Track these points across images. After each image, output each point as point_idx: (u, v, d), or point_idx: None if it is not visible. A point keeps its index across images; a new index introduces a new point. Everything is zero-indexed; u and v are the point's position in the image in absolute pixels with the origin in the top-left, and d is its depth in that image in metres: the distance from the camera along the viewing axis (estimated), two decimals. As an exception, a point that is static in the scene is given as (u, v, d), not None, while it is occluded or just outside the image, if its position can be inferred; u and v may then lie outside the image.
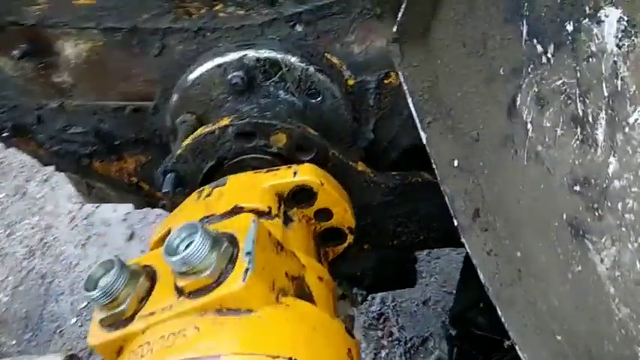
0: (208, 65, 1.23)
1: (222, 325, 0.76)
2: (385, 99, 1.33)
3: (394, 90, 1.31)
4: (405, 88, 1.16)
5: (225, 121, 1.10)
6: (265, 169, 1.07)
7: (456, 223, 1.05)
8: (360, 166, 1.16)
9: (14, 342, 3.43)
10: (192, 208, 1.03)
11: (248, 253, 0.78)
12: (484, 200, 1.05)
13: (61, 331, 3.43)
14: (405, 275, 1.61)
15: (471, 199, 1.06)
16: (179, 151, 1.12)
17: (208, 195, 1.04)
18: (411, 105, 1.15)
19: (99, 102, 1.30)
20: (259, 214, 0.97)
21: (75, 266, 3.77)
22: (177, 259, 0.76)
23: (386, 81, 1.30)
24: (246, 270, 0.77)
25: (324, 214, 1.08)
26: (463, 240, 1.04)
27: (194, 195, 1.07)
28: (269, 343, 0.76)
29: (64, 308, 3.55)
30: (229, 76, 1.21)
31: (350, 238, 1.13)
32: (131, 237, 3.63)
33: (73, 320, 3.47)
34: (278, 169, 1.06)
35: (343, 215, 1.09)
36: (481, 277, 1.00)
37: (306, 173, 1.04)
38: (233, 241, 0.81)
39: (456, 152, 1.10)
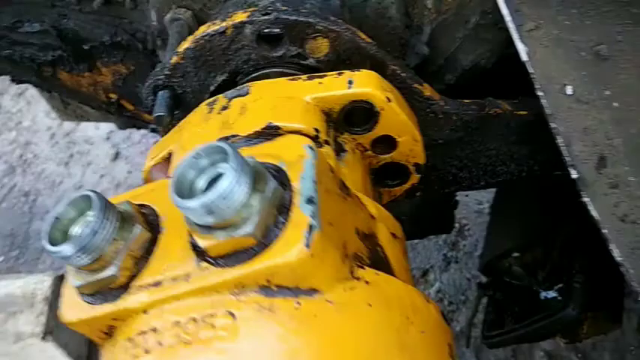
0: (210, -64, 0.81)
1: (273, 313, 0.43)
2: (448, 0, 0.93)
3: (461, -12, 0.91)
4: (493, -20, 0.76)
5: (242, 16, 0.69)
6: (306, 76, 0.67)
7: (574, 175, 0.70)
8: (427, 90, 0.78)
9: (1, 259, 3.14)
10: (202, 124, 0.65)
11: (309, 201, 0.43)
12: (612, 145, 0.70)
13: (47, 251, 3.13)
14: (443, 221, 1.28)
15: (593, 142, 0.70)
16: (175, 59, 0.72)
17: (224, 108, 0.65)
18: (502, 4, 0.76)
19: (58, -12, 0.88)
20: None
21: (59, 184, 3.42)
22: (197, 203, 0.41)
23: (452, -26, 0.90)
24: (310, 227, 0.43)
25: (386, 143, 0.69)
26: (586, 199, 0.69)
27: (202, 107, 0.68)
28: (350, 350, 0.43)
29: (50, 227, 3.23)
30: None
31: (415, 178, 0.74)
32: (116, 156, 3.26)
33: (59, 240, 3.16)
34: (324, 76, 0.66)
35: (411, 146, 0.70)
36: (614, 251, 0.66)
37: (365, 83, 0.64)
38: (281, 177, 0.46)
39: (570, 74, 0.73)
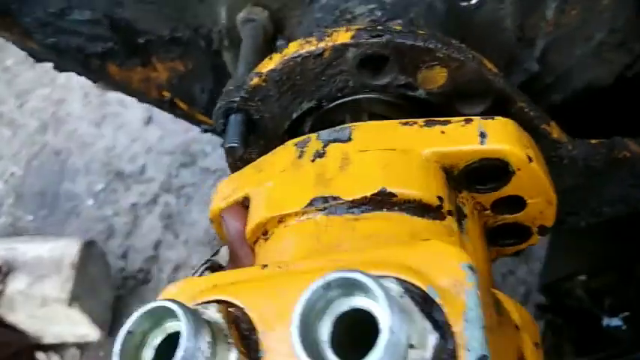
0: None
1: None
2: (571, 12, 0.77)
3: (590, 1, 0.75)
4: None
5: (345, 37, 0.55)
6: (423, 121, 0.53)
7: None
8: (555, 131, 0.64)
9: (31, 217, 3.11)
10: (291, 172, 0.53)
11: None
12: None
13: (77, 212, 3.09)
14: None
15: None
16: (255, 80, 0.59)
17: (319, 154, 0.52)
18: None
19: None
20: (422, 210, 0.48)
21: (90, 145, 3.36)
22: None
23: (580, -15, 0.74)
24: None
25: (512, 203, 0.56)
26: None
27: (289, 147, 0.55)
28: None
29: (80, 188, 3.18)
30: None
31: (535, 240, 0.61)
32: (149, 121, 3.17)
33: (90, 202, 3.11)
34: (446, 123, 0.52)
35: (542, 209, 0.56)
36: None
37: (502, 138, 0.50)
38: (434, 314, 0.33)
39: None
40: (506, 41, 0.76)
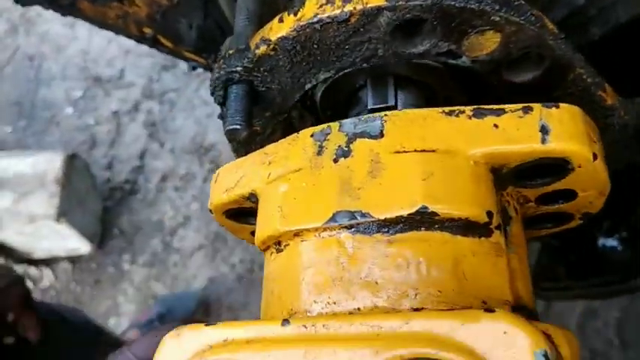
0: None
1: None
2: None
3: None
4: None
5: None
6: (471, 109, 0.43)
7: None
8: (610, 97, 0.54)
9: (10, 129, 2.99)
10: (309, 173, 0.44)
11: None
12: None
13: (57, 121, 2.96)
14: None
15: None
16: (263, 49, 0.46)
17: (343, 153, 0.43)
18: None
19: None
20: (467, 228, 0.40)
21: (64, 48, 3.14)
22: None
23: None
24: None
25: (562, 196, 0.48)
26: None
27: (306, 138, 0.45)
28: None
29: (58, 95, 3.02)
30: None
31: (575, 224, 0.53)
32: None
33: (70, 110, 2.97)
34: (500, 112, 0.42)
35: (593, 200, 0.48)
36: None
37: (567, 136, 0.41)
38: None
39: None
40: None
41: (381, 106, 0.52)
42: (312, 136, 0.44)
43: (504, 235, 0.43)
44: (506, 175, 0.44)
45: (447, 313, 0.32)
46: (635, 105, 0.59)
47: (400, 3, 0.42)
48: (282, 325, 0.35)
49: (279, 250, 0.44)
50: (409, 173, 0.40)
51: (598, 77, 0.52)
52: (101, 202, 2.52)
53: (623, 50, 0.76)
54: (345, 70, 0.51)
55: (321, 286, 0.40)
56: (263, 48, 0.46)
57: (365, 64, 0.47)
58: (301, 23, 0.44)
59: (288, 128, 0.59)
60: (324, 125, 0.44)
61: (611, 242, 1.24)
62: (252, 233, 0.49)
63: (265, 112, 0.53)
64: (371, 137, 0.42)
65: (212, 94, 0.51)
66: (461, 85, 0.54)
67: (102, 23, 0.76)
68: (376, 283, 0.38)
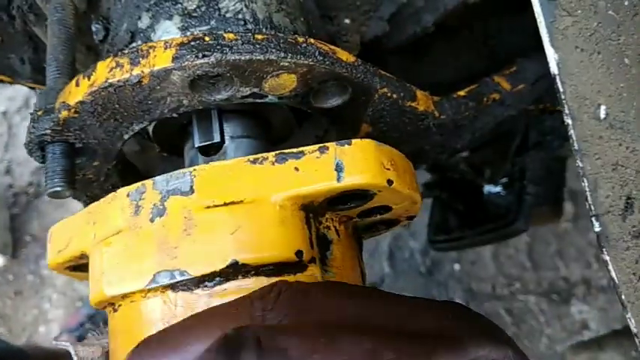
0: None
1: None
2: None
3: None
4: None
5: (164, 59, 0.42)
6: (273, 155, 0.46)
7: (596, 227, 0.57)
8: (422, 103, 0.57)
9: None
10: (128, 234, 0.45)
11: None
12: (644, 182, 0.56)
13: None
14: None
15: (622, 181, 0.56)
16: (64, 113, 0.46)
17: (159, 212, 0.44)
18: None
19: None
20: (281, 269, 0.44)
21: None
22: None
23: None
24: None
25: (379, 209, 0.52)
26: (605, 257, 0.57)
27: (123, 198, 0.46)
28: None
29: None
30: None
31: (405, 223, 0.58)
32: None
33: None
34: (300, 156, 0.46)
35: (408, 208, 0.53)
36: (631, 321, 0.58)
37: (360, 169, 0.45)
38: None
39: (607, 89, 0.55)
40: (368, -21, 0.66)
41: (207, 143, 0.53)
42: (128, 195, 0.46)
43: (322, 263, 0.47)
44: (320, 206, 0.47)
45: None
46: (451, 102, 0.63)
47: (186, 63, 0.43)
48: None
49: (115, 310, 0.46)
50: (219, 228, 0.43)
51: (405, 90, 0.55)
52: (7, 210, 2.40)
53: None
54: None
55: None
56: (64, 112, 0.47)
57: (174, 114, 0.48)
58: (94, 88, 0.44)
59: (126, 168, 0.60)
60: (139, 184, 0.46)
61: (495, 189, 1.33)
62: None
63: (93, 162, 0.53)
64: (182, 194, 0.44)
65: (30, 155, 0.51)
66: (287, 111, 0.57)
67: None
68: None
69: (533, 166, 1.19)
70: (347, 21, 0.70)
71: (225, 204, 0.43)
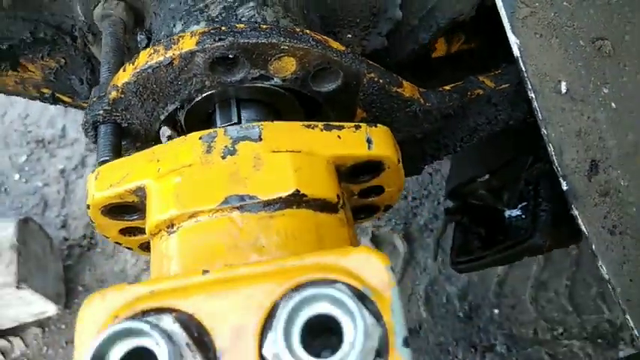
0: None
1: None
2: (421, -41, 0.80)
3: (437, -56, 0.78)
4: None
5: (190, 43, 0.57)
6: (322, 124, 0.59)
7: (564, 186, 0.65)
8: (408, 90, 0.69)
9: (-45, 202, 3.01)
10: (200, 168, 0.55)
11: (406, 342, 0.40)
12: (605, 147, 0.64)
13: (5, 189, 3.00)
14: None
15: (586, 146, 0.65)
16: (114, 94, 0.60)
17: (230, 152, 0.55)
18: (490, -15, 0.65)
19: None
20: (324, 206, 0.55)
21: (3, 116, 3.20)
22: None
23: None
24: None
25: (374, 191, 0.66)
26: (575, 212, 0.65)
27: (195, 140, 0.57)
28: None
29: (3, 164, 3.07)
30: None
31: (381, 214, 0.72)
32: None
33: (17, 176, 3.03)
34: (341, 128, 0.60)
35: (393, 194, 0.67)
36: (602, 268, 0.64)
37: (384, 146, 0.60)
38: (371, 308, 0.42)
39: (566, 68, 0.65)
40: (365, 1, 0.79)
41: (227, 124, 0.65)
42: (200, 138, 0.57)
43: (345, 215, 0.58)
44: (342, 173, 0.60)
45: (328, 250, 0.45)
46: (436, 93, 0.74)
47: (207, 46, 0.56)
48: (203, 273, 0.44)
49: (171, 233, 0.54)
50: (284, 166, 0.55)
51: (391, 77, 0.67)
52: (61, 262, 2.56)
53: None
54: (194, 100, 0.64)
55: (220, 252, 0.51)
56: (114, 93, 0.60)
57: (199, 94, 0.61)
58: (137, 70, 0.58)
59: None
60: (210, 130, 0.57)
61: (515, 212, 1.39)
62: (122, 231, 0.61)
63: (135, 143, 0.66)
64: (252, 140, 0.56)
65: (85, 135, 0.64)
66: (292, 100, 0.69)
67: (4, 91, 0.88)
68: (262, 247, 0.51)
69: (545, 185, 1.24)
70: (349, 36, 0.82)
71: (288, 151, 0.55)
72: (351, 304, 0.39)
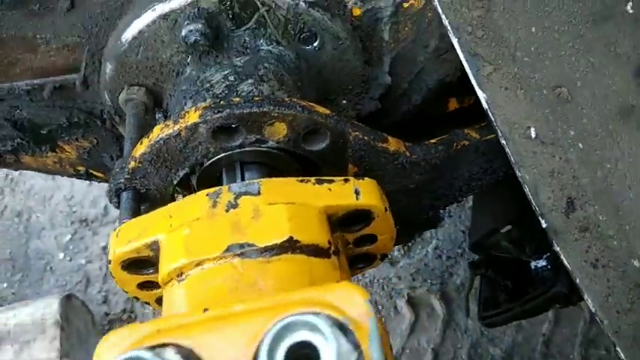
0: (148, 17, 0.77)
1: None
2: (405, 28, 0.90)
3: (417, 16, 0.88)
4: (445, 20, 0.74)
5: (194, 117, 0.67)
6: (314, 179, 0.68)
7: (544, 224, 0.70)
8: (393, 145, 0.77)
9: (5, 285, 3.15)
10: (207, 221, 0.63)
11: None
12: (579, 185, 0.70)
13: (51, 268, 3.15)
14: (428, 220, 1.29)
15: (560, 185, 0.70)
16: (132, 164, 0.71)
17: (232, 205, 0.63)
18: (458, 48, 0.74)
19: (2, 84, 0.85)
20: (317, 252, 0.61)
21: (50, 199, 3.41)
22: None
23: (405, 5, 0.87)
24: None
25: (368, 239, 0.72)
26: (556, 248, 0.69)
27: (202, 198, 0.65)
28: None
29: (49, 244, 3.23)
30: (183, 32, 0.76)
31: (379, 263, 0.78)
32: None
33: (61, 255, 3.18)
34: (331, 181, 0.68)
35: (387, 242, 0.73)
36: (589, 301, 0.67)
37: (370, 196, 0.68)
38: (350, 338, 0.47)
39: (533, 115, 0.72)
40: (354, 68, 0.89)
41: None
42: (207, 195, 0.66)
43: (338, 261, 0.64)
44: (335, 223, 0.67)
45: (315, 287, 0.51)
46: (422, 146, 0.81)
47: (208, 118, 0.66)
48: (203, 311, 0.50)
49: (180, 281, 0.61)
50: (280, 216, 0.62)
51: (375, 134, 0.75)
52: (101, 336, 2.62)
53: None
54: (203, 166, 0.74)
55: (221, 295, 0.58)
56: (132, 163, 0.70)
57: (205, 159, 0.70)
58: (151, 142, 0.68)
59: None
60: (217, 188, 0.66)
61: (541, 263, 1.40)
62: (140, 285, 0.69)
63: (153, 207, 0.75)
64: (252, 195, 0.64)
65: (110, 201, 0.73)
66: (289, 159, 0.77)
67: (44, 170, 1.00)
68: (260, 289, 0.57)
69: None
70: (344, 102, 0.92)
71: (283, 203, 0.63)
72: (328, 330, 0.44)
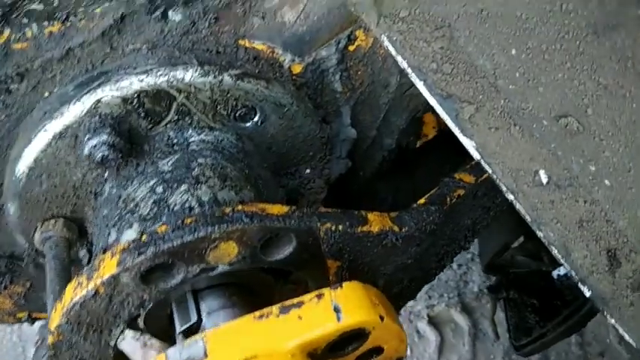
0: (41, 141, 0.61)
1: None
2: (358, 73, 0.74)
3: (368, 56, 0.73)
4: (402, 63, 0.59)
5: (110, 267, 0.50)
6: (277, 308, 0.50)
7: (586, 293, 0.54)
8: (376, 224, 0.60)
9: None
10: None
11: None
12: (616, 230, 0.53)
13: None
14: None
15: (594, 236, 0.54)
16: (51, 339, 0.54)
17: None
18: (425, 91, 0.58)
19: None
20: None
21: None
22: None
23: (351, 47, 0.71)
24: None
25: (373, 352, 0.55)
26: (611, 321, 0.53)
27: None
28: None
29: None
30: (86, 150, 0.60)
31: None
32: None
33: None
34: (300, 305, 0.50)
35: (397, 347, 0.55)
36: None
37: (356, 310, 0.50)
38: None
39: (538, 155, 0.56)
40: (310, 132, 0.73)
41: (187, 326, 0.57)
42: None
43: None
44: (323, 354, 0.50)
45: None
46: (411, 213, 0.65)
47: (128, 265, 0.49)
48: None
49: None
50: None
51: (351, 218, 0.59)
52: None
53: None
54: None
55: None
56: (50, 337, 0.53)
57: (141, 309, 0.54)
58: (65, 309, 0.51)
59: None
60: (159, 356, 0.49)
61: (563, 271, 1.27)
62: None
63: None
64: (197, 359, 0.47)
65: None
66: (253, 273, 0.61)
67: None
68: None
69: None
70: (308, 171, 0.76)
71: None
72: None
